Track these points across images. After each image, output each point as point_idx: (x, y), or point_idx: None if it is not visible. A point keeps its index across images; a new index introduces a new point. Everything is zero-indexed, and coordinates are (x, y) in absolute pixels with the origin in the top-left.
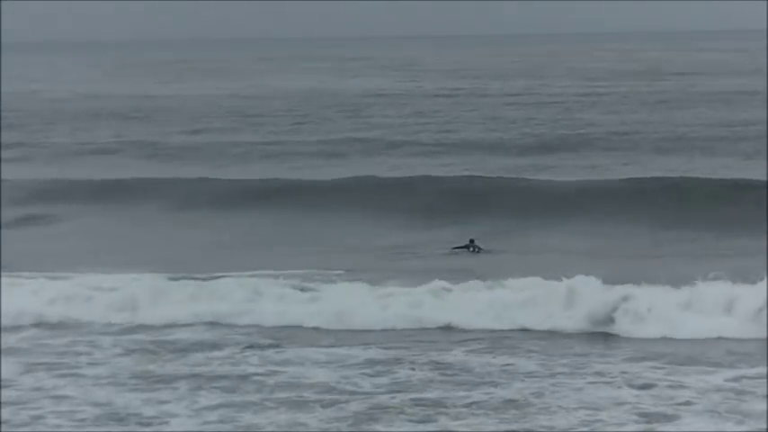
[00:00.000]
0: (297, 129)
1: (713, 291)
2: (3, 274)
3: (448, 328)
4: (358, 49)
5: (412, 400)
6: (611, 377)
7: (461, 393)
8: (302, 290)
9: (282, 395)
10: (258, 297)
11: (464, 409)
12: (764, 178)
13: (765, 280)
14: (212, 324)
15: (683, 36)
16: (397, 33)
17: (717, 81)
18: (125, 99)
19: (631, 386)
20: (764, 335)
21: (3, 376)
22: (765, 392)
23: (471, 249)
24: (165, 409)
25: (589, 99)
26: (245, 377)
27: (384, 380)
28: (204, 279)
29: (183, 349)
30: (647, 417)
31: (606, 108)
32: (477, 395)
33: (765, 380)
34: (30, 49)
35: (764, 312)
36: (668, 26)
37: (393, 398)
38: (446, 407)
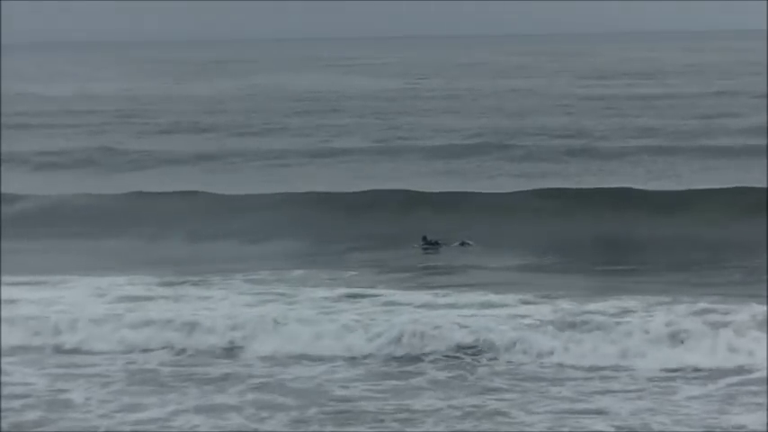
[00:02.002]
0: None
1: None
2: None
3: None
4: (357, 49)
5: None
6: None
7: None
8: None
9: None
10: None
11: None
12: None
13: (766, 299)
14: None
15: (682, 36)
16: (397, 34)
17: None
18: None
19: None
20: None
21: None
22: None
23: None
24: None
25: (552, 102)
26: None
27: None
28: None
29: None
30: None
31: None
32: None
33: (765, 387)
34: (30, 49)
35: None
36: (668, 26)
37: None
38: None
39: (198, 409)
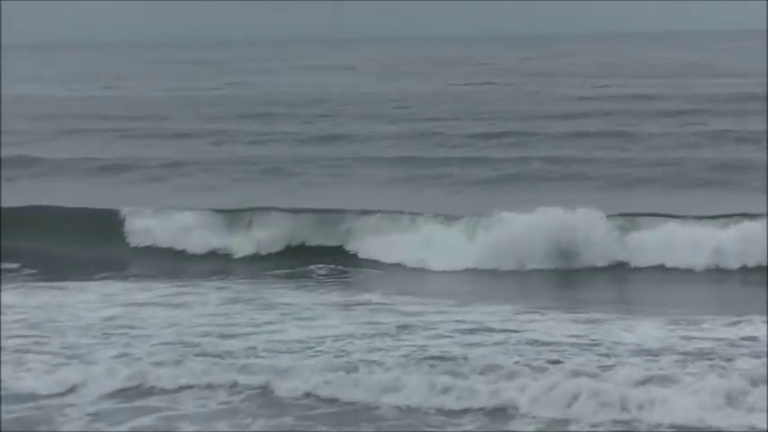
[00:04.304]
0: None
1: None
2: None
3: None
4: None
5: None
6: None
7: None
8: None
9: None
10: None
11: None
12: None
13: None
14: None
15: (682, 36)
16: (394, 35)
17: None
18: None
19: None
20: None
21: None
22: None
23: None
24: None
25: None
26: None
27: None
28: None
29: None
30: None
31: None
32: None
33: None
34: (30, 49)
35: None
36: (668, 26)
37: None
38: None
39: None
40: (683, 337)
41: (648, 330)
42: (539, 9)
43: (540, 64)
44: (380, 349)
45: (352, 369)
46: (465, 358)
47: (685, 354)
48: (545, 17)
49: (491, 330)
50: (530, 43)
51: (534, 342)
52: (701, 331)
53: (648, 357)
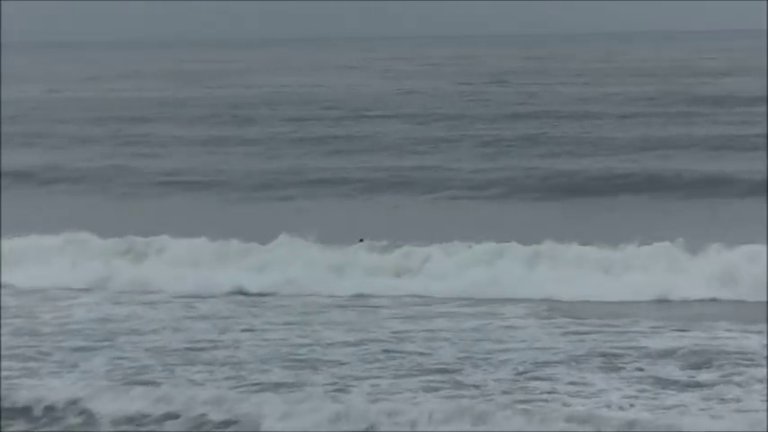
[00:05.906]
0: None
1: None
2: None
3: None
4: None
5: None
6: None
7: None
8: None
9: None
10: None
11: None
12: None
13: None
14: None
15: (683, 36)
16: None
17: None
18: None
19: None
20: None
21: None
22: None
23: None
24: None
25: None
26: None
27: None
28: None
29: None
30: None
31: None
32: None
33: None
34: (30, 49)
35: None
36: (668, 26)
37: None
38: None
39: None
40: None
41: None
42: (539, 9)
43: (537, 64)
44: None
45: None
46: None
47: None
48: (544, 17)
49: None
50: (527, 43)
51: None
52: None
53: None
